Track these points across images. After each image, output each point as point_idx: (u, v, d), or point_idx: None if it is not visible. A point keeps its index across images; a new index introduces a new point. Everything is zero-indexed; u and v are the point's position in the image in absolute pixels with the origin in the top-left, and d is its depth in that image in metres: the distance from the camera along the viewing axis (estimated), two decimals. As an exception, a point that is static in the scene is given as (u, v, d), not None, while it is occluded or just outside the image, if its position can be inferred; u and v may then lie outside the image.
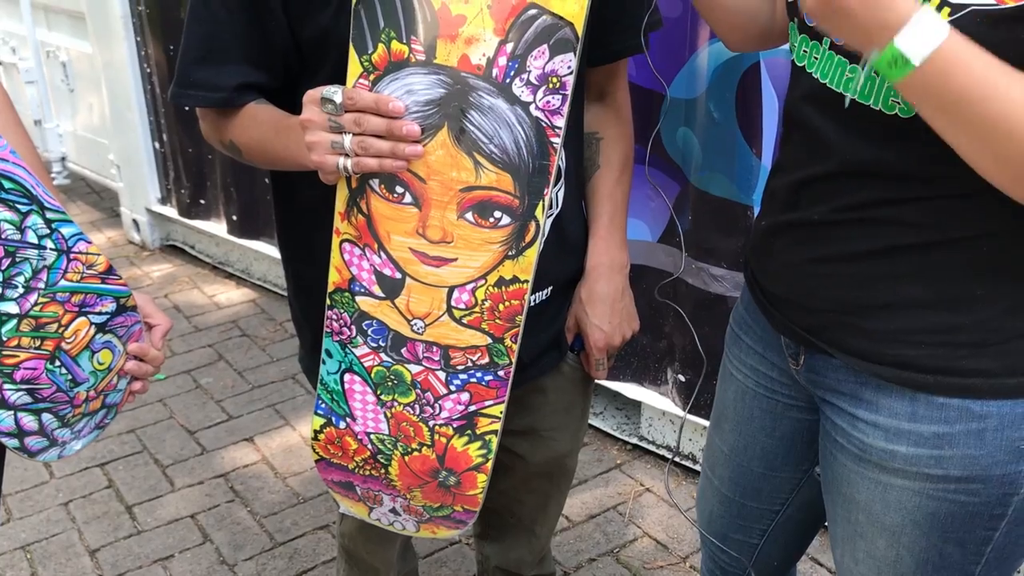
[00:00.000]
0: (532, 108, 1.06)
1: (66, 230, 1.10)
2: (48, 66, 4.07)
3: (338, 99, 1.06)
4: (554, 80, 1.05)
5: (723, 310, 2.13)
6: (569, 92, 1.06)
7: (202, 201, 3.60)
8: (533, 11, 1.03)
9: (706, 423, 1.79)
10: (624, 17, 1.30)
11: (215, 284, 3.61)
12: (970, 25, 0.88)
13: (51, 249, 1.09)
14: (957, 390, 1.03)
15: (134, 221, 3.91)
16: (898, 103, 0.95)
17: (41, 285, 1.09)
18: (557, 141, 1.08)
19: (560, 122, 1.07)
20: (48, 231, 1.09)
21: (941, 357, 1.03)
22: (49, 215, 1.08)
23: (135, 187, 3.82)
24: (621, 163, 1.43)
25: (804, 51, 1.06)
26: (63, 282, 1.11)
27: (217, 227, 3.58)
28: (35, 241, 1.08)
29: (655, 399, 2.47)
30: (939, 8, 0.89)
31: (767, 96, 1.90)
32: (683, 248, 2.18)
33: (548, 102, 1.06)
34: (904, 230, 1.01)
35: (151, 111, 3.60)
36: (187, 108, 2.65)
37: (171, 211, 3.74)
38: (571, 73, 1.05)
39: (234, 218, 3.44)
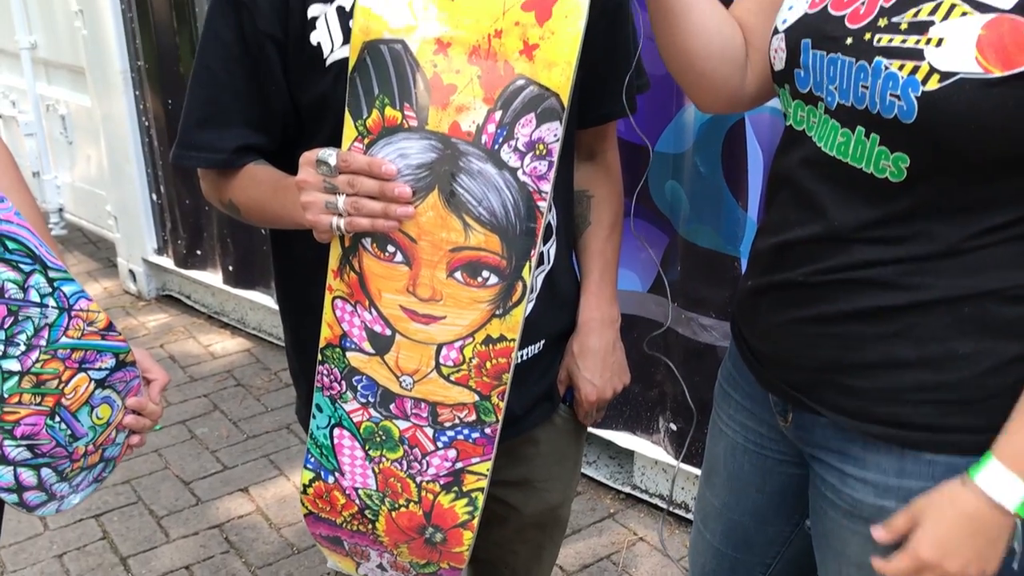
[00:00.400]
0: (519, 173, 1.10)
1: (68, 288, 1.13)
2: (47, 119, 4.13)
3: (333, 161, 1.10)
4: (541, 147, 1.09)
5: (713, 359, 2.16)
6: (555, 158, 1.10)
7: (198, 252, 3.64)
8: (521, 82, 1.07)
9: (699, 471, 1.81)
10: (612, 82, 1.35)
11: (210, 334, 3.63)
12: (959, 92, 0.91)
13: (53, 307, 1.12)
14: (944, 447, 1.05)
15: (130, 271, 3.95)
16: (889, 166, 0.98)
17: (43, 342, 1.12)
18: (543, 204, 1.12)
19: (546, 186, 1.11)
20: (50, 290, 1.12)
21: (928, 415, 1.05)
22: (52, 274, 1.11)
23: (132, 238, 3.86)
24: (611, 221, 1.47)
25: (801, 116, 1.09)
26: (64, 339, 1.14)
27: (213, 277, 3.61)
28: (37, 300, 1.11)
29: (648, 448, 2.48)
30: (929, 75, 0.92)
31: (752, 151, 1.95)
32: (670, 298, 2.22)
33: (535, 168, 1.10)
34: (888, 291, 1.03)
35: (149, 163, 3.65)
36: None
37: (167, 261, 3.78)
38: (557, 141, 1.09)
39: (230, 268, 3.47)
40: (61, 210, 4.32)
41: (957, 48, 0.91)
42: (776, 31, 1.11)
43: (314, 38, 1.20)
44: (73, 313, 1.14)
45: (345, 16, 1.17)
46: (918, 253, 1.01)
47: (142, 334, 3.62)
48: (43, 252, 1.11)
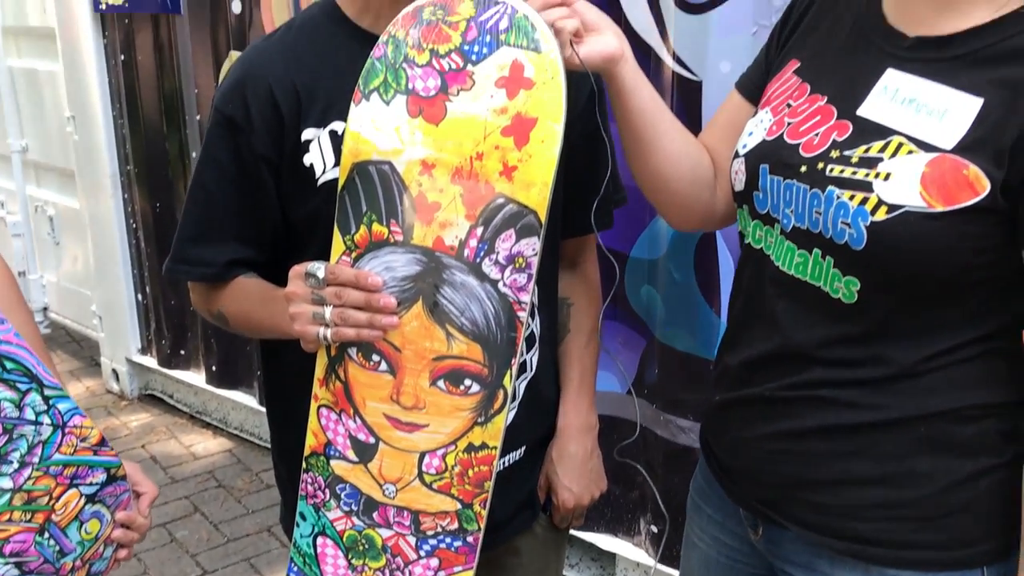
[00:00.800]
0: (500, 285, 1.15)
1: (63, 405, 1.16)
2: (35, 220, 4.19)
3: (321, 274, 1.15)
4: (520, 260, 1.15)
5: (692, 460, 2.18)
6: (534, 271, 1.15)
7: (182, 351, 3.66)
8: (501, 200, 1.13)
9: (677, 573, 1.82)
10: (590, 198, 1.42)
11: (192, 434, 3.63)
12: (905, 223, 0.98)
13: (47, 424, 1.15)
14: (906, 563, 1.08)
15: (114, 371, 3.95)
16: (841, 288, 1.04)
17: (36, 460, 1.14)
18: (523, 314, 1.17)
19: (526, 298, 1.16)
20: (46, 407, 1.14)
21: (890, 531, 1.08)
22: (47, 391, 1.14)
23: (116, 337, 3.87)
24: (590, 328, 1.52)
25: (759, 235, 1.15)
26: (57, 455, 1.16)
27: (196, 377, 3.63)
28: (32, 418, 1.13)
29: (629, 550, 2.48)
30: (877, 207, 0.99)
31: (723, 258, 2.02)
32: (633, 399, 2.25)
33: (515, 280, 1.15)
34: (848, 410, 1.08)
35: (135, 264, 3.70)
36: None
37: (151, 361, 3.79)
38: (536, 254, 1.14)
39: (213, 368, 3.49)
40: (46, 309, 4.34)
41: (903, 183, 0.98)
42: (737, 154, 1.18)
43: (307, 160, 1.26)
44: (67, 430, 1.16)
45: (337, 139, 1.24)
46: (875, 376, 1.06)
47: (124, 434, 3.61)
48: (40, 371, 1.14)
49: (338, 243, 1.19)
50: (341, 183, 1.18)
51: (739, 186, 1.17)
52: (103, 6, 3.34)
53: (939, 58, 1.02)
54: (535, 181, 1.12)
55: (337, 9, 1.30)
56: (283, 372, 1.42)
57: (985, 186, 0.95)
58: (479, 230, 1.14)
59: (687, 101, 1.98)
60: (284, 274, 1.22)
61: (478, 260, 1.15)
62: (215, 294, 1.35)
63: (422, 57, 1.13)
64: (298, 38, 1.30)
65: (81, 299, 4.05)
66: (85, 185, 3.72)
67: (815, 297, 1.07)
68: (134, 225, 3.62)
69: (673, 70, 1.97)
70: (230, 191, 1.29)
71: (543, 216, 1.13)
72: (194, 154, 3.30)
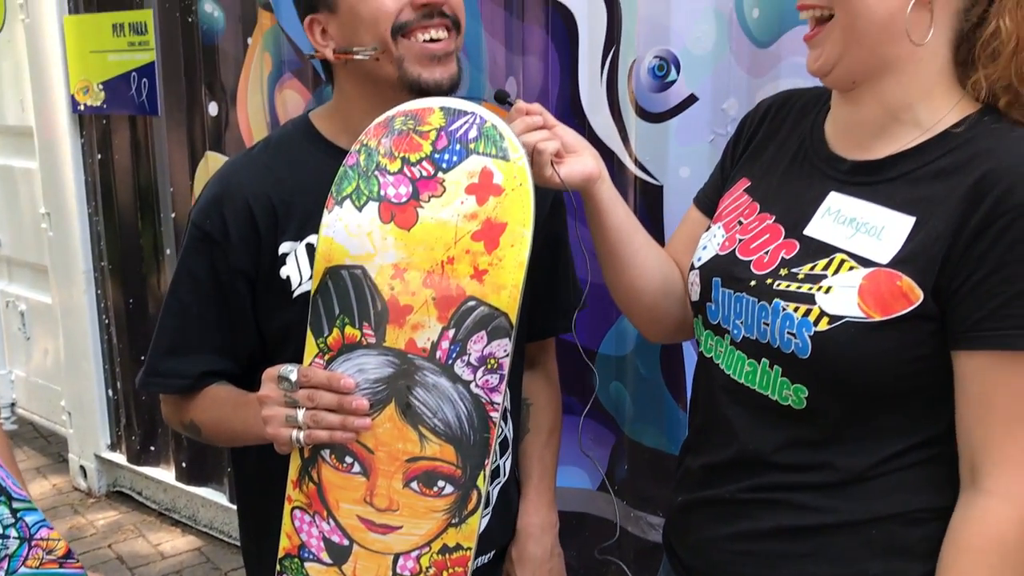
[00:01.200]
0: (472, 386, 1.19)
1: (30, 518, 1.18)
2: (6, 315, 4.19)
3: (293, 376, 1.19)
4: (492, 362, 1.19)
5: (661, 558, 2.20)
6: (506, 372, 1.20)
7: (152, 447, 3.64)
8: (472, 303, 1.18)
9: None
10: (555, 303, 1.47)
11: (160, 532, 3.58)
12: (846, 332, 1.04)
13: (15, 538, 1.16)
14: None
15: (81, 467, 3.91)
16: (791, 395, 1.10)
17: (1, 573, 1.15)
18: (496, 415, 1.21)
19: (498, 398, 1.20)
20: (13, 520, 1.16)
21: None
22: (16, 504, 1.16)
23: (85, 433, 3.84)
24: (549, 427, 1.56)
25: (711, 344, 1.22)
26: (23, 569, 1.17)
27: (165, 474, 3.60)
28: (0, 531, 1.15)
29: (601, 647, 2.47)
30: (819, 318, 1.05)
31: (688, 355, 2.07)
32: (610, 495, 2.27)
33: (487, 380, 1.20)
34: (803, 513, 1.12)
35: (106, 359, 3.70)
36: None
37: (120, 457, 3.76)
38: (507, 356, 1.19)
39: (183, 465, 3.47)
40: (13, 405, 4.31)
41: (843, 295, 1.05)
42: (693, 266, 1.25)
43: (283, 272, 1.31)
44: (33, 543, 1.18)
45: (313, 252, 1.29)
46: (826, 480, 1.11)
47: (90, 534, 3.56)
48: (9, 484, 1.16)
49: (311, 346, 1.23)
50: (314, 287, 1.22)
51: (694, 296, 1.24)
52: (81, 107, 3.41)
53: (875, 180, 1.11)
54: (505, 284, 1.17)
55: (312, 128, 1.37)
56: (254, 474, 1.44)
57: (918, 295, 1.02)
58: (451, 332, 1.18)
59: (649, 204, 2.05)
60: (256, 382, 1.25)
61: (450, 362, 1.19)
62: (187, 405, 1.38)
63: (394, 165, 1.19)
64: (275, 155, 1.36)
65: (50, 394, 4.03)
66: (59, 280, 3.73)
67: (765, 404, 1.12)
68: (106, 321, 3.64)
69: (635, 175, 2.06)
70: (205, 304, 1.33)
71: (514, 318, 1.18)
72: (168, 251, 3.34)
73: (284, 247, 1.32)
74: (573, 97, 2.13)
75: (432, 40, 1.27)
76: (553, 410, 1.57)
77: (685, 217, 1.41)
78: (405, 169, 1.18)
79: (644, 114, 2.01)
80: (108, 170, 3.46)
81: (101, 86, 3.34)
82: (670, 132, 1.99)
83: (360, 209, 1.20)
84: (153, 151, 3.30)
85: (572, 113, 2.13)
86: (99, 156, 3.47)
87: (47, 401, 4.08)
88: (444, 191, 1.17)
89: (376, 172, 1.19)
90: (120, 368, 3.65)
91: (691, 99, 1.95)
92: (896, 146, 1.10)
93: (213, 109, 3.01)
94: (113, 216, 3.50)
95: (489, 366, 1.20)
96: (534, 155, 1.17)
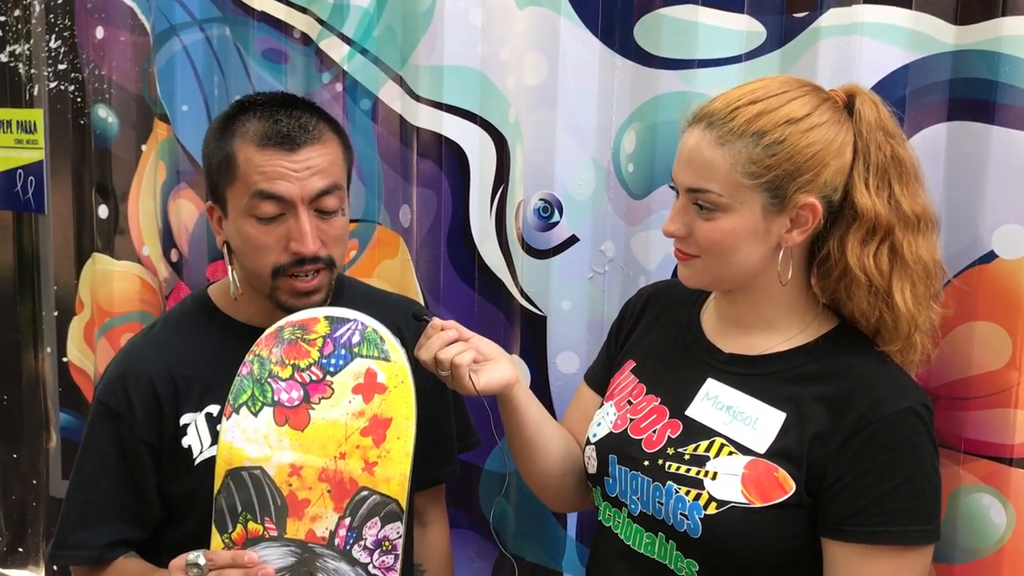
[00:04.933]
0: (370, 567, 1.30)
1: None
2: None
3: (202, 561, 1.27)
4: (387, 543, 1.30)
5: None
6: (400, 551, 1.30)
7: (20, 548, 3.53)
8: (365, 492, 1.29)
9: None
10: (440, 451, 1.57)
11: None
12: (732, 516, 1.18)
13: None
14: None
15: (-58, 567, 3.74)
16: (684, 567, 1.23)
17: None
18: None
19: (393, 575, 1.30)
20: None
21: None
22: None
23: (-53, 531, 3.69)
24: (442, 562, 1.64)
25: (609, 515, 1.34)
26: None
27: None
28: None
29: None
30: (708, 502, 1.19)
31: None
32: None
33: (383, 561, 1.30)
34: None
35: (-25, 456, 3.58)
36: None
37: (-15, 557, 3.62)
38: (400, 537, 1.29)
39: (55, 568, 3.37)
40: None
41: (728, 482, 1.20)
42: (589, 441, 1.38)
43: (185, 442, 1.38)
44: None
45: (212, 420, 1.37)
46: None
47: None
48: None
49: (216, 542, 1.31)
50: (216, 488, 1.30)
51: (591, 470, 1.36)
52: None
53: (749, 374, 1.26)
54: (394, 474, 1.28)
55: (210, 302, 1.46)
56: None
57: (792, 486, 1.18)
58: (347, 520, 1.28)
59: (534, 332, 2.18)
60: (162, 548, 1.31)
61: (348, 547, 1.29)
62: (96, 575, 1.42)
63: (285, 372, 1.29)
64: (175, 331, 1.45)
65: (-89, 489, 3.85)
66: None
67: (662, 571, 1.25)
68: (-22, 416, 3.53)
69: (521, 304, 2.18)
70: (111, 475, 1.39)
71: (403, 502, 1.29)
72: (49, 349, 3.30)
73: (185, 418, 1.39)
74: (464, 228, 2.25)
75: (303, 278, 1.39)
76: (445, 574, 1.66)
77: (577, 395, 1.55)
78: (296, 375, 1.29)
79: (530, 250, 2.14)
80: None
81: (-16, 180, 3.30)
82: (553, 268, 2.12)
83: (256, 415, 1.29)
84: (37, 249, 3.27)
85: (464, 243, 2.25)
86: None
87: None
88: (333, 392, 1.29)
89: (269, 379, 1.30)
90: (-10, 465, 3.54)
91: (572, 239, 2.10)
92: (767, 345, 1.27)
93: (103, 211, 3.02)
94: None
95: (384, 548, 1.30)
96: (453, 368, 1.29)
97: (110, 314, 3.04)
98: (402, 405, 1.27)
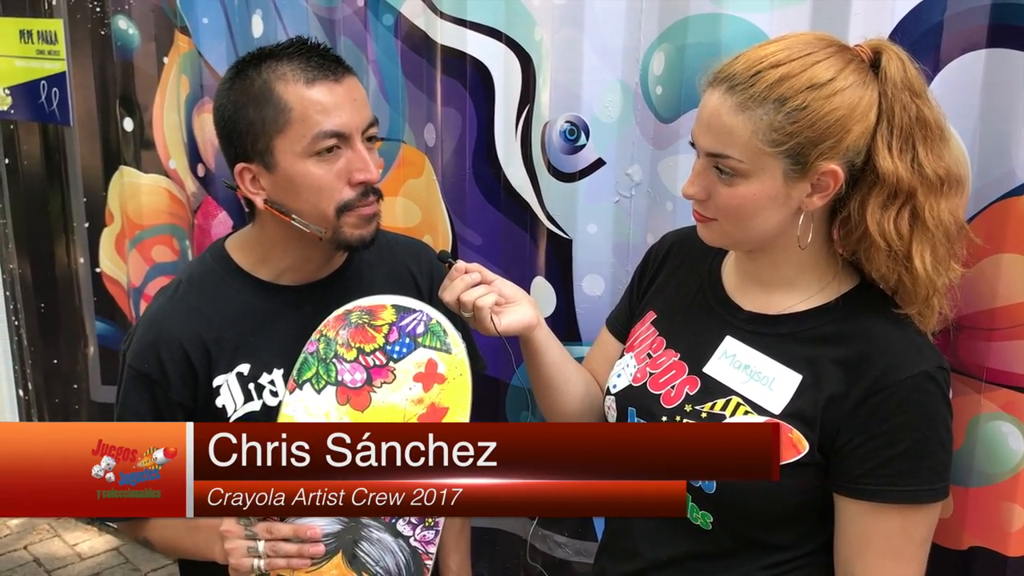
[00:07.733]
0: (412, 540, 1.36)
1: None
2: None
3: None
4: (430, 520, 1.35)
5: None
6: (441, 528, 1.36)
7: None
8: None
9: None
10: None
11: (77, 531, 3.63)
12: None
13: None
14: None
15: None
16: (699, 517, 1.28)
17: None
18: (430, 563, 1.37)
19: (433, 549, 1.36)
20: None
21: None
22: None
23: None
24: (460, 521, 1.72)
25: None
26: None
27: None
28: None
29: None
30: None
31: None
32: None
33: (424, 536, 1.36)
34: None
35: (16, 360, 3.71)
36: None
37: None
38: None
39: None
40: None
41: None
42: (609, 392, 1.41)
43: (219, 402, 1.42)
44: None
45: (244, 379, 1.40)
46: None
47: (4, 535, 3.59)
48: None
49: None
50: None
51: (611, 419, 1.40)
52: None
53: (768, 333, 1.28)
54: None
55: (230, 260, 1.47)
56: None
57: (805, 446, 1.21)
58: None
59: (559, 256, 2.19)
60: None
61: (394, 521, 1.35)
62: (140, 524, 1.49)
63: (350, 354, 1.33)
64: (199, 294, 1.45)
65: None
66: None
67: (677, 519, 1.30)
68: (16, 323, 3.63)
69: (547, 227, 2.19)
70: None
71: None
72: (82, 260, 3.36)
73: (217, 380, 1.42)
74: (490, 149, 2.23)
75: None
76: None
77: (599, 339, 1.57)
78: (360, 358, 1.33)
79: (555, 173, 2.13)
80: (16, 176, 3.43)
81: (8, 91, 3.30)
82: (579, 191, 2.11)
83: (319, 392, 1.34)
84: (65, 161, 3.29)
85: (489, 164, 2.24)
86: (6, 161, 3.43)
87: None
88: (395, 378, 1.32)
89: (334, 360, 1.33)
90: (31, 370, 3.65)
91: (599, 163, 2.08)
92: (786, 305, 1.28)
93: (128, 124, 3.02)
94: (22, 223, 3.47)
95: (427, 524, 1.36)
96: (475, 310, 1.31)
97: (140, 227, 3.08)
98: (460, 397, 1.32)
